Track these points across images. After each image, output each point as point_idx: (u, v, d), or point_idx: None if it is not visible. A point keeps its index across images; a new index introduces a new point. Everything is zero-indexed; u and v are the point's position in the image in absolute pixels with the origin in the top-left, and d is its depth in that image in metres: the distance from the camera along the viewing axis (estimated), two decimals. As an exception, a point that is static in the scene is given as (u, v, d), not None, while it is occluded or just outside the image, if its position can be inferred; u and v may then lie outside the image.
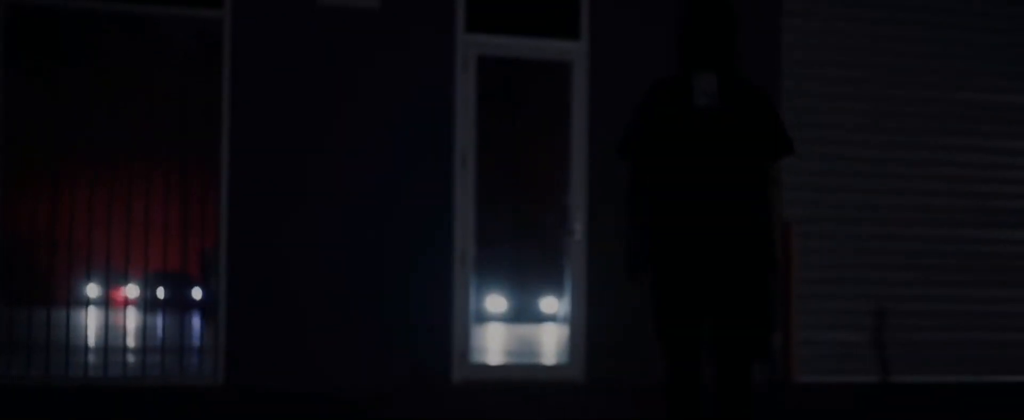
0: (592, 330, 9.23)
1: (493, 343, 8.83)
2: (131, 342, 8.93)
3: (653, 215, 4.63)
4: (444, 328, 8.94)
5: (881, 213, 9.93)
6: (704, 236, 4.53)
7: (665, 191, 4.61)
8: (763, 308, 4.57)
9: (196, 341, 10.09)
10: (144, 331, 8.16)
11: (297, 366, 8.66)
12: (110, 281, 8.04)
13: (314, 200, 8.71)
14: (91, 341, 8.70)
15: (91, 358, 8.48)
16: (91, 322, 7.87)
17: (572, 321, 9.28)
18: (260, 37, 8.76)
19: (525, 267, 9.51)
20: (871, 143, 9.91)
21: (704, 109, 4.57)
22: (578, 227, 9.16)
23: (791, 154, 4.77)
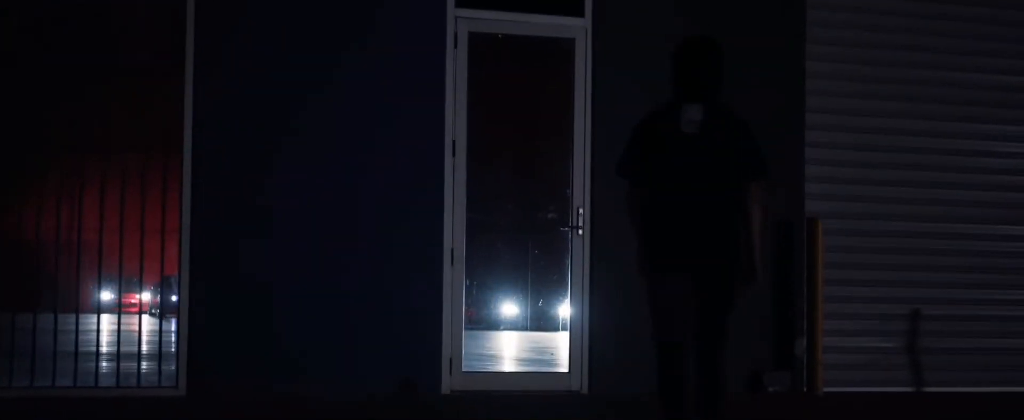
0: (595, 336, 8.80)
1: (487, 350, 8.38)
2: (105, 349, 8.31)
3: (645, 225, 5.64)
4: (433, 334, 8.51)
5: (915, 209, 9.64)
6: (686, 244, 5.54)
7: (655, 205, 5.59)
8: (734, 306, 5.62)
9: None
10: (95, 336, 7.51)
11: (267, 375, 8.27)
12: (122, 287, 8.27)
13: (287, 194, 8.33)
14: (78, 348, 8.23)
15: (70, 365, 8.11)
16: (90, 329, 7.63)
17: (573, 326, 8.88)
18: (228, 18, 8.31)
19: (522, 267, 8.77)
20: (905, 130, 9.63)
21: (690, 135, 5.52)
22: (581, 222, 8.75)
23: (764, 178, 5.59)
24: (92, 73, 8.19)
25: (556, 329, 9.01)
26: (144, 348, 8.43)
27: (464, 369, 8.73)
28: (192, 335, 8.18)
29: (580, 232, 8.81)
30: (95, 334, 8.17)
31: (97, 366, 8.20)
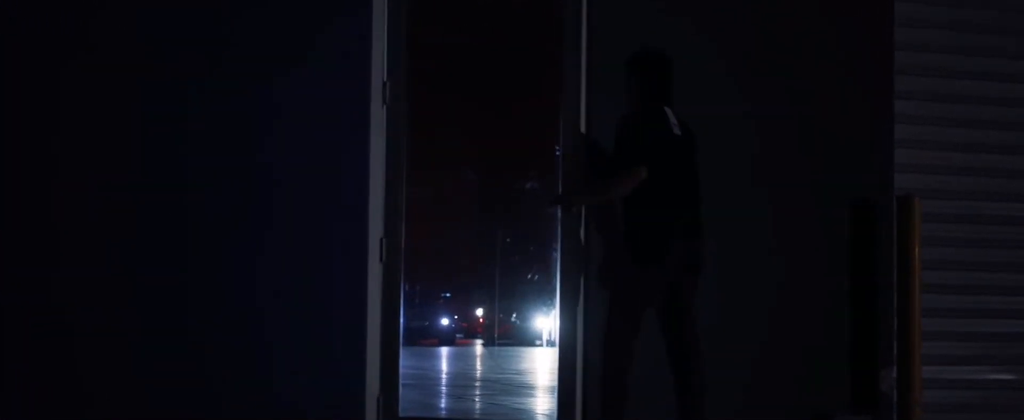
0: (596, 360, 7.13)
1: (437, 380, 6.92)
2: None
3: (642, 221, 6.49)
4: (352, 361, 6.86)
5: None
6: (680, 244, 6.47)
7: (655, 202, 6.43)
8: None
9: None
10: None
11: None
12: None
13: (120, 177, 6.86)
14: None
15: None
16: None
17: (564, 344, 7.22)
18: None
19: (488, 260, 7.61)
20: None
21: (679, 138, 6.55)
22: (574, 199, 7.03)
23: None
24: None
25: (538, 343, 7.75)
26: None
27: (402, 414, 7.14)
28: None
29: (573, 209, 7.12)
30: None
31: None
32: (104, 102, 6.91)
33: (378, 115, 6.73)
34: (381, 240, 6.73)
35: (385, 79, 6.73)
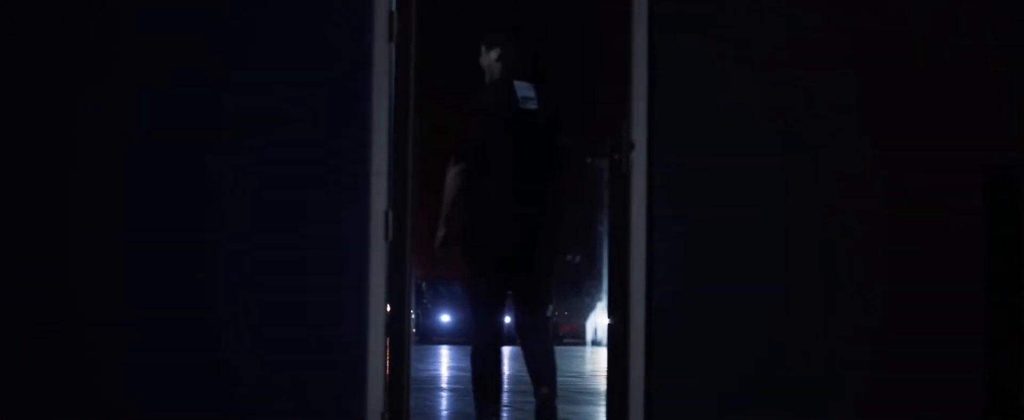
0: (663, 365, 6.24)
1: (457, 386, 5.89)
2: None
3: (479, 205, 6.21)
4: (349, 368, 5.73)
5: None
6: (515, 237, 6.22)
7: (487, 195, 6.20)
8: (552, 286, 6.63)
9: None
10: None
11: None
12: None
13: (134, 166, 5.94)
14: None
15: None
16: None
17: (615, 344, 6.20)
18: None
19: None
20: None
21: (522, 113, 6.22)
22: (632, 144, 5.78)
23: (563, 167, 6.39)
24: None
25: (582, 342, 7.15)
26: None
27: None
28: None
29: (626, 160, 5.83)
30: None
31: None
32: (105, 101, 6.10)
33: (382, 50, 5.50)
34: (386, 213, 5.50)
35: (393, 8, 5.51)
